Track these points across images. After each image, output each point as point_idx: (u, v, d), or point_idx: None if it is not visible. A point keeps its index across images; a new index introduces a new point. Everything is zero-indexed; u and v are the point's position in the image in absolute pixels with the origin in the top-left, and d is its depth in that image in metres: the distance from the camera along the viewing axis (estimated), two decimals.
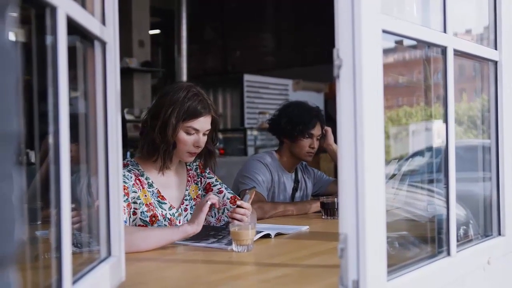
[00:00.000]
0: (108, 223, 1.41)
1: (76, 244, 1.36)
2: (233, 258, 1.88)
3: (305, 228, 2.44)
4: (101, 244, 1.40)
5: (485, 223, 1.92)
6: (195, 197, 2.45)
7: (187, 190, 2.43)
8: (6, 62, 0.58)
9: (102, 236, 1.41)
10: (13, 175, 0.60)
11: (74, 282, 1.12)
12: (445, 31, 1.56)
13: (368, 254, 1.19)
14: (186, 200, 2.41)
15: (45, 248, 1.46)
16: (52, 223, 1.08)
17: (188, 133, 2.26)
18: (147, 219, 2.23)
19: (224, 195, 2.43)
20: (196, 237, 2.09)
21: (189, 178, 2.45)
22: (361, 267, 1.19)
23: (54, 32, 1.01)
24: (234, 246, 1.93)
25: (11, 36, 0.60)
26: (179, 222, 2.34)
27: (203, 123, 2.28)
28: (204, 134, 2.30)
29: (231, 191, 2.49)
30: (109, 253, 1.42)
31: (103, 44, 1.39)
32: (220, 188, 2.47)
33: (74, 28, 1.14)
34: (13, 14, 0.61)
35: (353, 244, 1.20)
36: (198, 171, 2.49)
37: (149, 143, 2.27)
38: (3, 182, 0.58)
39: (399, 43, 1.56)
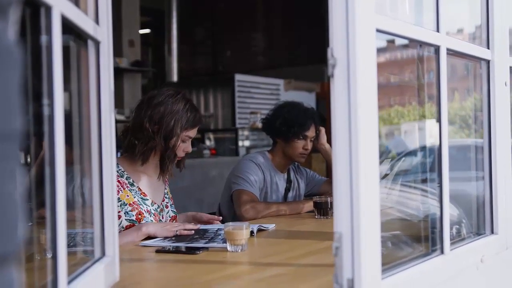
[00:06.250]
0: (102, 224, 1.41)
1: (70, 244, 1.35)
2: (227, 258, 1.88)
3: (272, 227, 2.44)
4: (95, 244, 1.40)
5: (478, 221, 1.93)
6: (171, 196, 2.59)
7: (166, 189, 2.55)
8: (10, 61, 0.58)
9: (96, 236, 1.40)
10: (17, 173, 0.60)
11: (69, 282, 1.12)
12: (438, 30, 1.57)
13: (363, 252, 1.19)
14: (166, 197, 2.53)
15: (36, 249, 1.45)
16: (46, 224, 1.07)
17: (183, 141, 2.40)
18: (133, 217, 2.31)
19: (168, 212, 2.54)
20: (186, 240, 2.10)
21: (166, 179, 2.57)
22: (355, 266, 1.20)
23: (49, 32, 1.01)
24: (228, 246, 1.93)
25: (14, 36, 0.60)
26: (162, 218, 2.46)
27: (196, 131, 2.45)
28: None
29: (175, 210, 2.59)
30: (103, 253, 1.41)
31: (97, 43, 1.38)
32: (169, 202, 2.59)
33: (67, 27, 1.14)
34: (16, 13, 0.61)
35: (348, 243, 1.20)
36: (167, 177, 2.61)
37: (150, 149, 2.35)
38: (8, 180, 0.58)
39: (391, 42, 1.56)
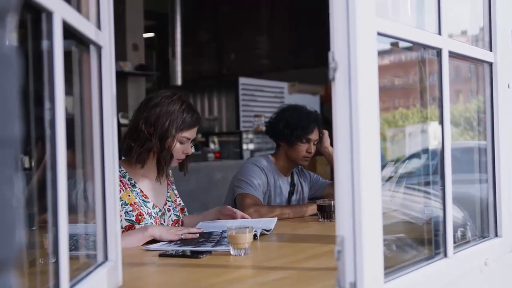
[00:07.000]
0: (105, 228, 1.41)
1: (71, 248, 1.36)
2: (230, 261, 1.87)
3: (274, 221, 2.49)
4: (98, 248, 1.40)
5: (482, 224, 1.92)
6: (174, 200, 2.57)
7: (168, 192, 2.55)
8: (7, 68, 0.58)
9: (99, 240, 1.40)
10: (14, 179, 0.61)
11: (71, 286, 1.12)
12: (440, 33, 1.57)
13: (365, 256, 1.19)
14: (168, 201, 2.53)
15: (40, 254, 1.45)
16: (48, 229, 1.08)
17: (181, 143, 2.39)
18: (133, 218, 2.31)
19: (170, 215, 2.53)
20: (192, 244, 2.10)
21: (169, 183, 2.58)
22: (358, 269, 1.19)
23: (50, 37, 1.01)
24: (231, 250, 1.93)
25: (12, 42, 0.60)
26: (164, 221, 2.45)
27: (195, 132, 2.44)
28: (191, 142, 2.46)
29: (178, 214, 2.59)
30: (106, 258, 1.41)
31: (99, 48, 1.38)
32: (178, 201, 2.60)
33: (69, 32, 1.14)
34: (14, 20, 0.61)
35: (350, 246, 1.20)
36: (172, 179, 2.62)
37: (146, 151, 2.35)
38: (5, 185, 0.58)
39: (395, 45, 1.56)
